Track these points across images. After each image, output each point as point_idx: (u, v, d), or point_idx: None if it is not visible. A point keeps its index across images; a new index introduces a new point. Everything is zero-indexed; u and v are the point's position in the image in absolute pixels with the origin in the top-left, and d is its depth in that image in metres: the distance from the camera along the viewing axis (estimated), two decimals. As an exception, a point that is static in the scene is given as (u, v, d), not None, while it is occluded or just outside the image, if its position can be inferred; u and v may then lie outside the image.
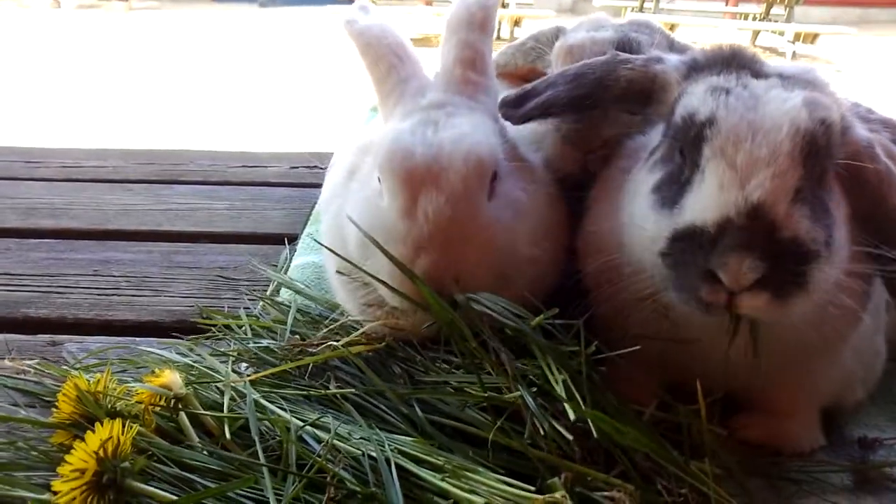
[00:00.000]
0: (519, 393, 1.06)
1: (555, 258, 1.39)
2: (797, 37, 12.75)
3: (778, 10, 13.86)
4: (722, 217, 0.97)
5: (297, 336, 1.37)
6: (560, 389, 1.04)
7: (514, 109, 1.33)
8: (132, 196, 2.47)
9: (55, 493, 0.90)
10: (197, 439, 1.04)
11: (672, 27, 13.27)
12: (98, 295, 1.82)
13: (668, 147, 1.13)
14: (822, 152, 1.02)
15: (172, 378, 1.06)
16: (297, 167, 2.80)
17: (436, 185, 1.18)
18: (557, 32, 1.58)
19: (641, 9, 14.26)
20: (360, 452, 0.95)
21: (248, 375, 1.14)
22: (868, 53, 13.23)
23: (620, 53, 1.26)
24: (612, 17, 1.58)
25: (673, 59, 1.21)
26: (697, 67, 1.17)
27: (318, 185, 2.25)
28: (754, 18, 14.45)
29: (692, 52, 1.24)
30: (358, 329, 1.28)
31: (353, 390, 1.10)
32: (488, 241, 1.20)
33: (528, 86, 1.34)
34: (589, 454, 1.02)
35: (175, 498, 0.90)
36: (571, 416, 0.99)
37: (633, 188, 1.17)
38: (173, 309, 1.76)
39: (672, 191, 1.07)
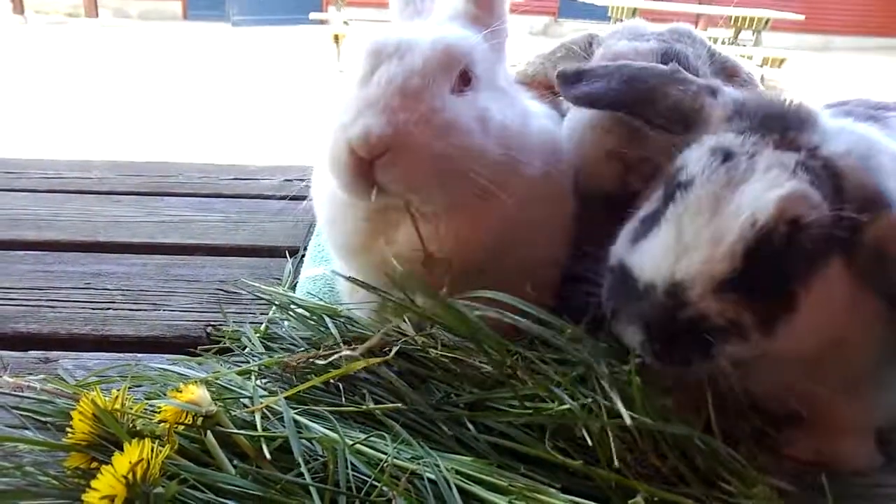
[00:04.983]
0: (567, 406, 1.00)
1: (542, 234, 1.36)
2: (765, 61, 12.99)
3: (746, 34, 14.12)
4: (649, 281, 1.01)
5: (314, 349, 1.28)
6: (616, 398, 0.97)
7: (568, 87, 1.30)
8: (121, 208, 2.35)
9: (77, 522, 0.81)
10: (227, 461, 0.95)
11: (643, 50, 13.45)
12: (92, 309, 1.71)
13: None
14: (781, 248, 0.99)
15: (200, 394, 0.97)
16: (292, 180, 2.69)
17: (398, 59, 1.19)
18: (590, 40, 1.53)
19: (613, 32, 14.41)
20: (414, 472, 0.86)
21: (282, 391, 1.04)
22: (830, 78, 13.53)
23: (682, 71, 1.23)
24: (648, 24, 1.52)
25: (728, 95, 1.18)
26: (741, 114, 1.13)
27: (314, 199, 2.19)
28: (724, 42, 14.71)
29: (750, 92, 1.21)
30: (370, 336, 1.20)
31: (398, 405, 1.01)
32: (431, 117, 1.16)
33: (588, 65, 1.31)
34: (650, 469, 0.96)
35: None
36: (628, 420, 0.93)
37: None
38: (174, 323, 1.65)
39: (643, 229, 1.10)
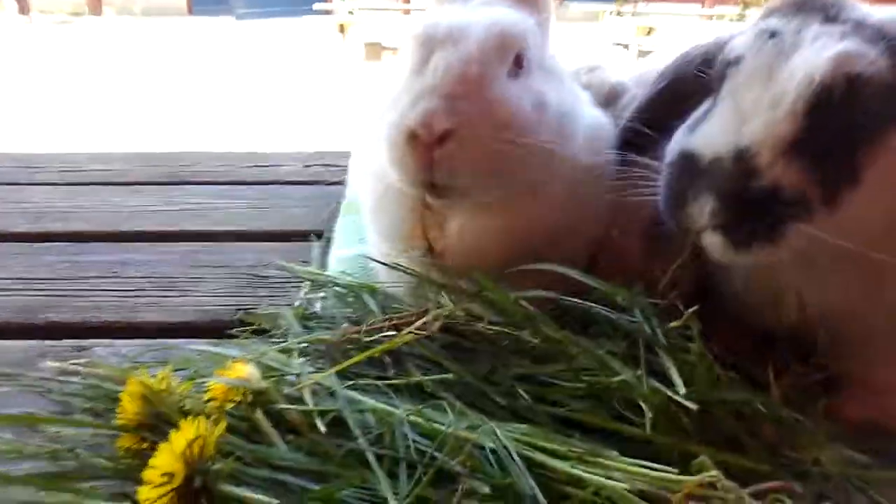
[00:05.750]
0: (623, 377, 0.98)
1: (584, 217, 1.34)
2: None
3: (753, 12, 14.01)
4: (714, 154, 0.99)
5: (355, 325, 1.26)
6: (675, 375, 0.95)
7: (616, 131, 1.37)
8: (142, 197, 2.34)
9: (135, 501, 0.79)
10: (278, 437, 0.93)
11: (649, 30, 13.37)
12: (122, 297, 1.70)
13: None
14: (842, 106, 0.96)
15: (250, 370, 0.95)
16: (311, 165, 2.69)
17: (453, 45, 1.16)
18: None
19: (619, 13, 14.35)
20: (477, 441, 0.84)
21: (327, 368, 1.03)
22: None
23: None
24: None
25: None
26: (777, 8, 1.10)
27: (336, 183, 2.17)
28: (730, 20, 14.58)
29: None
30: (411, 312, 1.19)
31: (448, 376, 0.99)
32: (493, 107, 1.14)
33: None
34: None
35: (276, 502, 0.79)
36: (693, 405, 0.91)
37: None
38: (206, 309, 1.64)
39: (696, 121, 1.09)
